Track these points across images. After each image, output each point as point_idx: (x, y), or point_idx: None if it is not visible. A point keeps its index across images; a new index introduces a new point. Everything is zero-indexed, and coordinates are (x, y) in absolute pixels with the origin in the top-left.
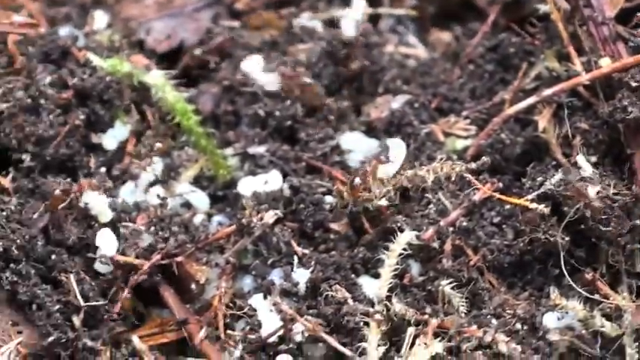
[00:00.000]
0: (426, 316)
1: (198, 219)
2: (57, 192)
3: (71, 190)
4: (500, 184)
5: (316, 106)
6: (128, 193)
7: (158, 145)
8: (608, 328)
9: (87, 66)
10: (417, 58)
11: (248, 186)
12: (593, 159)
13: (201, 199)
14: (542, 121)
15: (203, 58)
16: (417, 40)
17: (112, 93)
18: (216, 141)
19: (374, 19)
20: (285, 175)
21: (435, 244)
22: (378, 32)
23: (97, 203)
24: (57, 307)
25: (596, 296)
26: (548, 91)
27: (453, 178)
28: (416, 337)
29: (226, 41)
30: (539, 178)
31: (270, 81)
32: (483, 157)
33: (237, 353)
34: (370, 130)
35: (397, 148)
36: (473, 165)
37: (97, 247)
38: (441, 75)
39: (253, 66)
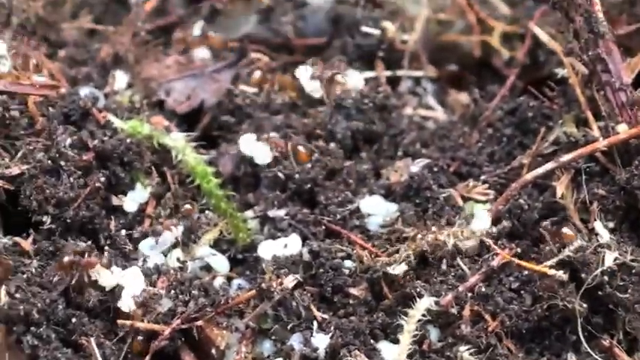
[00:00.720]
0: None
1: (218, 282)
2: (65, 260)
3: (79, 262)
4: (519, 250)
5: (336, 169)
6: (148, 249)
7: (187, 207)
8: None
9: (107, 127)
10: (435, 120)
11: (268, 250)
12: (611, 225)
13: (221, 263)
14: (560, 187)
15: (223, 119)
16: (435, 101)
17: (132, 155)
18: (236, 204)
19: (393, 80)
20: (304, 239)
21: (454, 310)
22: (397, 94)
23: (106, 278)
24: None
25: None
26: (566, 157)
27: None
28: None
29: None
30: (557, 244)
31: (263, 152)
32: (503, 222)
33: None
34: (389, 194)
35: (481, 218)
36: (493, 230)
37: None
38: (460, 138)
39: (248, 142)
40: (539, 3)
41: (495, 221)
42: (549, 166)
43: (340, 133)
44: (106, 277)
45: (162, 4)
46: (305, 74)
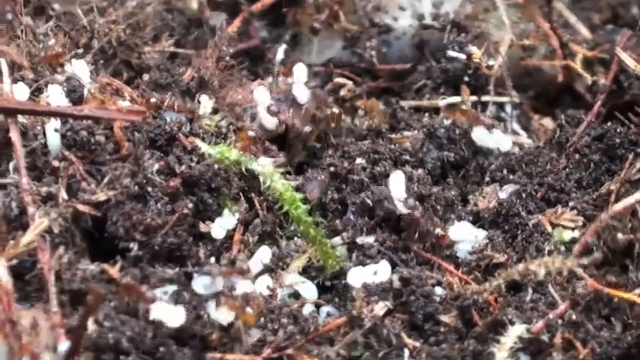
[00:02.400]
0: None
1: (307, 310)
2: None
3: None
4: (608, 278)
5: (423, 195)
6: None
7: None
8: None
9: (194, 153)
10: (521, 146)
11: (357, 277)
12: None
13: (310, 290)
14: None
15: (309, 144)
16: (519, 127)
17: (220, 181)
18: (324, 230)
19: (477, 105)
20: (394, 266)
21: (545, 337)
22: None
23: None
24: None
25: None
26: None
27: (564, 273)
28: None
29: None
30: None
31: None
32: (595, 253)
33: None
34: (477, 220)
35: None
36: (584, 261)
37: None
38: (547, 164)
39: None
40: (620, 27)
41: (585, 250)
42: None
43: (431, 162)
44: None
45: (245, 28)
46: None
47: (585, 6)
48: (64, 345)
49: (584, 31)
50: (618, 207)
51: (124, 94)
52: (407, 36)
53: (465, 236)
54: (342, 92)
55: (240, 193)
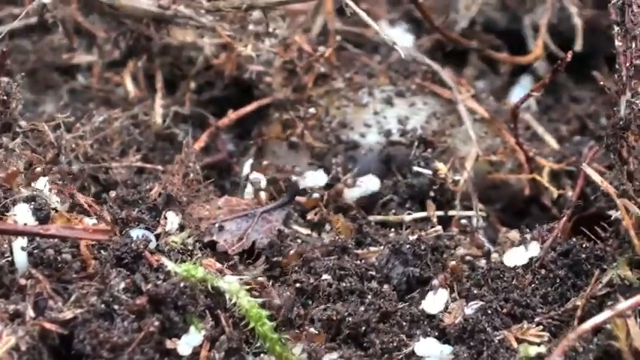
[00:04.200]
0: None
1: None
2: None
3: None
4: None
5: (389, 311)
6: None
7: None
8: None
9: (160, 271)
10: (487, 260)
11: None
12: None
13: None
14: (615, 330)
15: (275, 260)
16: (486, 240)
17: (186, 299)
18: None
19: (444, 220)
20: None
21: None
22: (448, 235)
23: None
24: None
25: None
26: (623, 305)
27: None
28: None
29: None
30: None
31: None
32: None
33: None
34: (443, 336)
35: None
36: None
37: None
38: (513, 280)
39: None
40: (588, 139)
41: None
42: (607, 314)
43: (396, 278)
44: None
45: (212, 141)
46: None
47: (553, 117)
48: None
49: (552, 143)
50: (585, 326)
51: (92, 211)
52: (374, 152)
53: (431, 352)
54: (309, 216)
55: (207, 310)
